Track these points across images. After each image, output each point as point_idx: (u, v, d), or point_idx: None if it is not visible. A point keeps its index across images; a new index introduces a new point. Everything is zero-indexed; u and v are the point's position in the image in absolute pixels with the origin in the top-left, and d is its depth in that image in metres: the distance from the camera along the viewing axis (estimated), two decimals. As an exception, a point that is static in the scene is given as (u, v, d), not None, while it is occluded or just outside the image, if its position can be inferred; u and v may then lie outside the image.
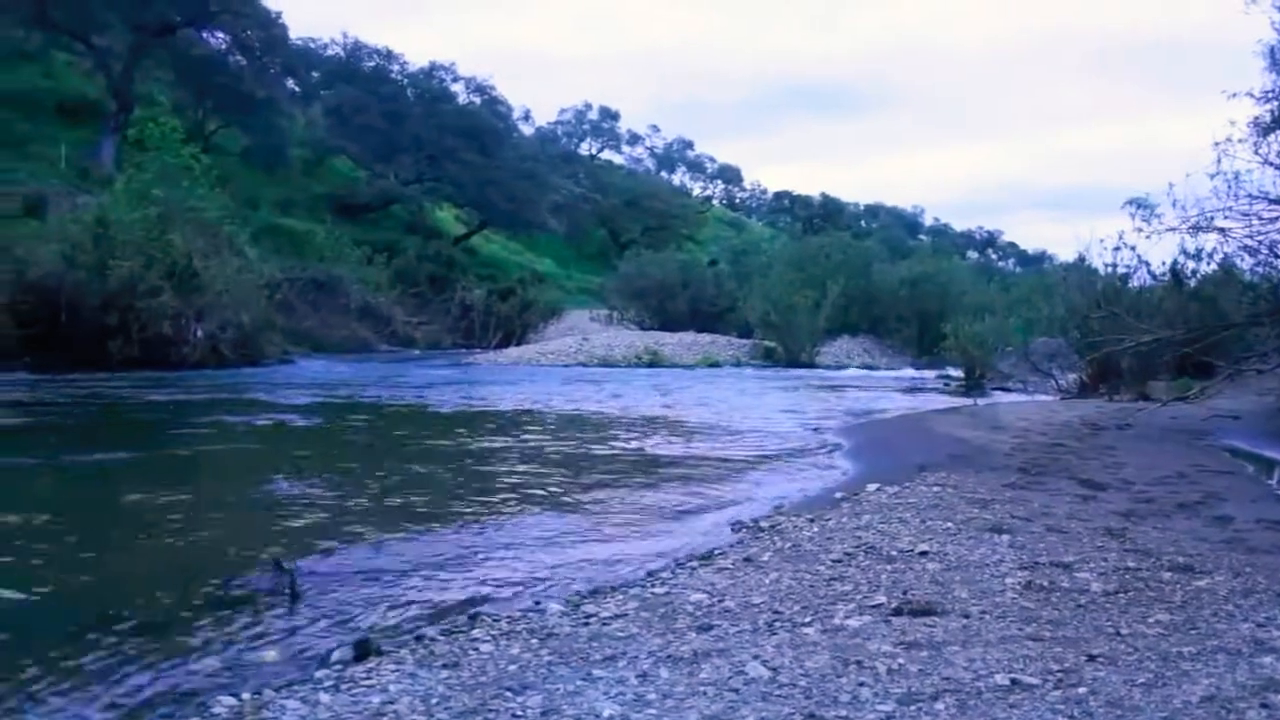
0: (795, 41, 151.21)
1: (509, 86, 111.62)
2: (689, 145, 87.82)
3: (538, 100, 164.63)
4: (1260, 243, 11.41)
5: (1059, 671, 3.45)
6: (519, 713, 3.12)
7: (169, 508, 6.89)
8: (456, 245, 51.68)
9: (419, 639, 4.04)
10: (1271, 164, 10.84)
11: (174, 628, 4.26)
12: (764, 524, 6.43)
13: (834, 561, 5.17)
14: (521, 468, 9.12)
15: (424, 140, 49.23)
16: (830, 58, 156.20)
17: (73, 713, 3.38)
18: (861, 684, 3.34)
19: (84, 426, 12.19)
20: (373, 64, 50.46)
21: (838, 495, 7.48)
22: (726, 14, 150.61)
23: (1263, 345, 12.54)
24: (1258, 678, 3.41)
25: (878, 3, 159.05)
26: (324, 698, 3.32)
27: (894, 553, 5.34)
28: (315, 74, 50.38)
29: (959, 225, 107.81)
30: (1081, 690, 3.28)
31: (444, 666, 3.62)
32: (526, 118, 66.03)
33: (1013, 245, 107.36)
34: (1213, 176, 10.95)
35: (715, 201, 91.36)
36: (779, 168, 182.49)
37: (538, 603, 4.63)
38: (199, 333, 21.10)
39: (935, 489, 7.48)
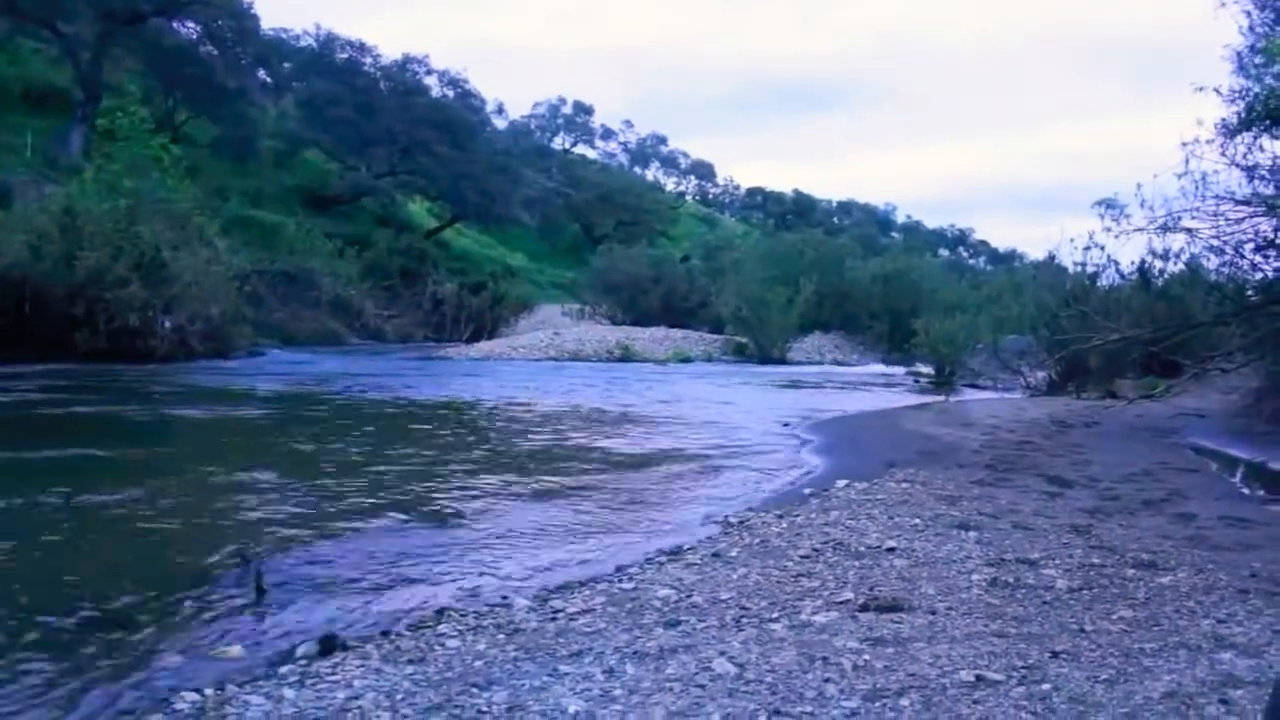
0: (770, 39, 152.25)
1: (482, 80, 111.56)
2: (663, 141, 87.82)
3: (511, 94, 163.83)
4: (1226, 243, 11.51)
5: (1023, 668, 3.48)
6: (484, 709, 3.11)
7: (132, 502, 6.81)
8: (428, 239, 51.44)
9: (385, 634, 4.02)
10: (1238, 165, 10.93)
11: (136, 623, 4.21)
12: (733, 520, 6.44)
13: (802, 557, 5.19)
14: (489, 463, 9.09)
15: (396, 133, 48.92)
16: (805, 55, 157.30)
17: (32, 710, 3.33)
18: (827, 680, 3.35)
19: (46, 419, 12.03)
20: (345, 56, 50.03)
21: (806, 491, 7.50)
22: (701, 11, 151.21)
23: (1228, 345, 12.67)
24: (1217, 674, 3.45)
25: (852, 2, 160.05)
26: (288, 693, 3.29)
27: (862, 549, 5.36)
28: (287, 65, 49.96)
29: (931, 223, 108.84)
30: (1045, 686, 3.30)
31: (409, 662, 3.60)
32: (500, 111, 65.81)
33: (984, 243, 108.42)
34: (1180, 177, 11.03)
35: (688, 197, 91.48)
36: (752, 164, 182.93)
37: (505, 598, 4.61)
38: (167, 325, 20.86)
39: (904, 485, 7.52)
